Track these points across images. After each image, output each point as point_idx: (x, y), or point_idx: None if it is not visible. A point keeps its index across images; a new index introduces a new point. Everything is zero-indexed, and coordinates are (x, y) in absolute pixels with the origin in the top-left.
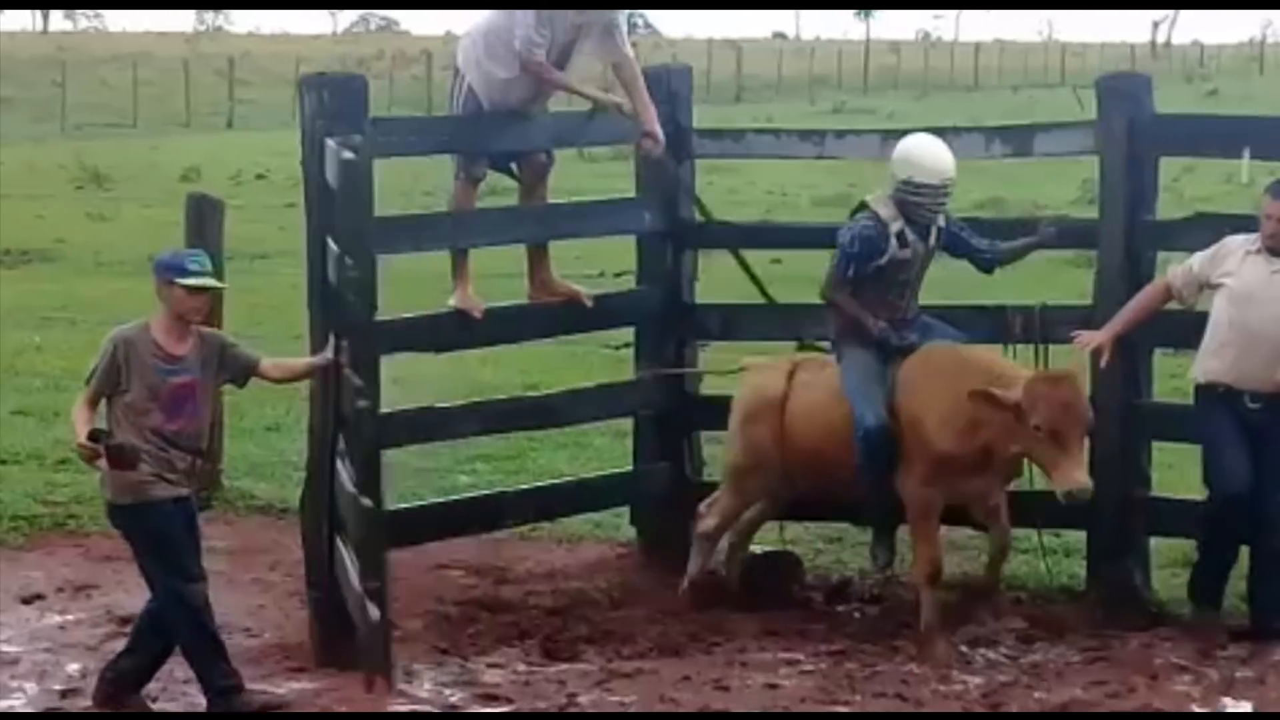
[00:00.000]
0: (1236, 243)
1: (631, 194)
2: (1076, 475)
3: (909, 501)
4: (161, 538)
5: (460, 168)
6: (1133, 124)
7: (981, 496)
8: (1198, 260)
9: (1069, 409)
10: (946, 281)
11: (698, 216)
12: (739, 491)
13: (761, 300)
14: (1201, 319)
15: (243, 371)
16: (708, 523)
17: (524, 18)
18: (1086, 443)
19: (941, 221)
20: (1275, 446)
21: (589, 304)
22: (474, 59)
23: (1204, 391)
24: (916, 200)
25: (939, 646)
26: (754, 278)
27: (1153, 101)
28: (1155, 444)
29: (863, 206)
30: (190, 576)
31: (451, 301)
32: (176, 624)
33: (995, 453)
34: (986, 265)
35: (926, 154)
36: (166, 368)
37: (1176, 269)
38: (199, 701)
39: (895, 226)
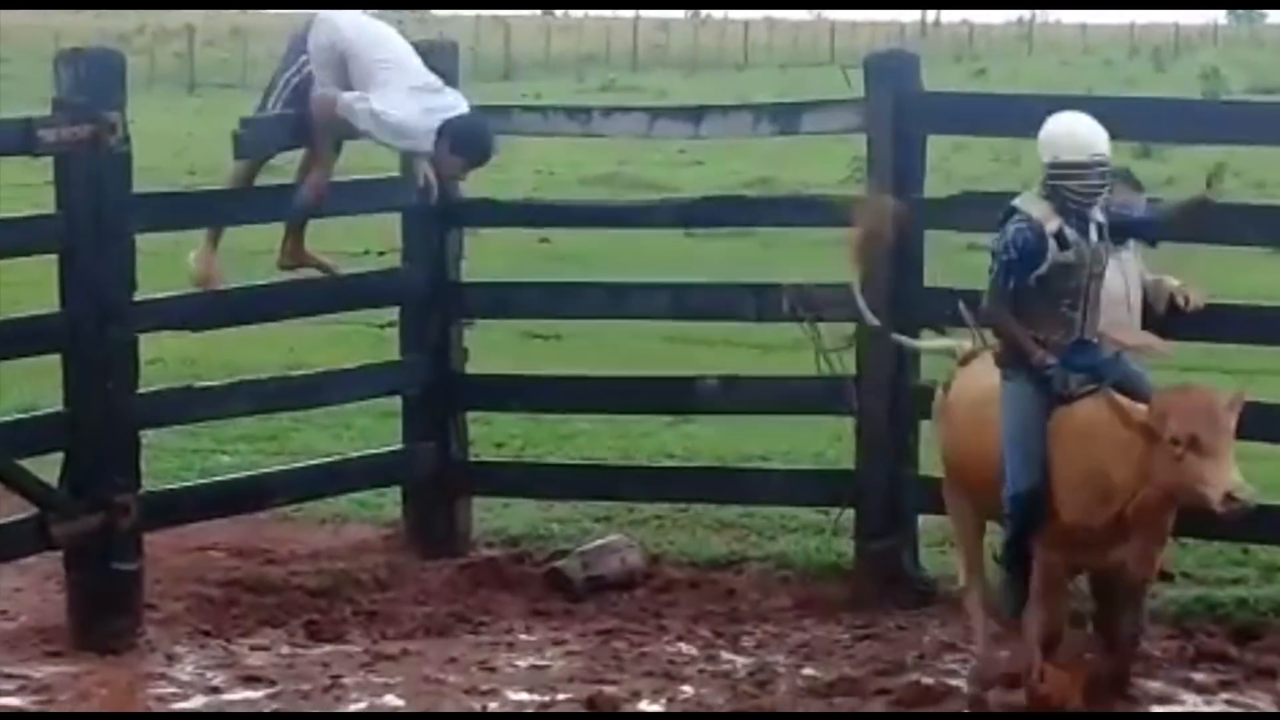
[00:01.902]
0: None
1: (397, 171)
2: (1232, 477)
3: (1035, 560)
4: None
5: None
6: (900, 102)
7: (1120, 566)
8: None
9: (1206, 411)
10: (719, 259)
11: None
12: (949, 507)
13: (527, 278)
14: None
15: None
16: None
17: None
18: (1232, 453)
19: (1101, 216)
20: None
21: (338, 273)
22: (330, 64)
23: None
24: (1066, 186)
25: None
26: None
27: (920, 79)
28: (923, 422)
29: (1011, 212)
30: None
31: (190, 258)
32: None
33: (1130, 519)
34: (1151, 235)
35: (1068, 129)
36: None
37: None
38: None
39: (1051, 226)
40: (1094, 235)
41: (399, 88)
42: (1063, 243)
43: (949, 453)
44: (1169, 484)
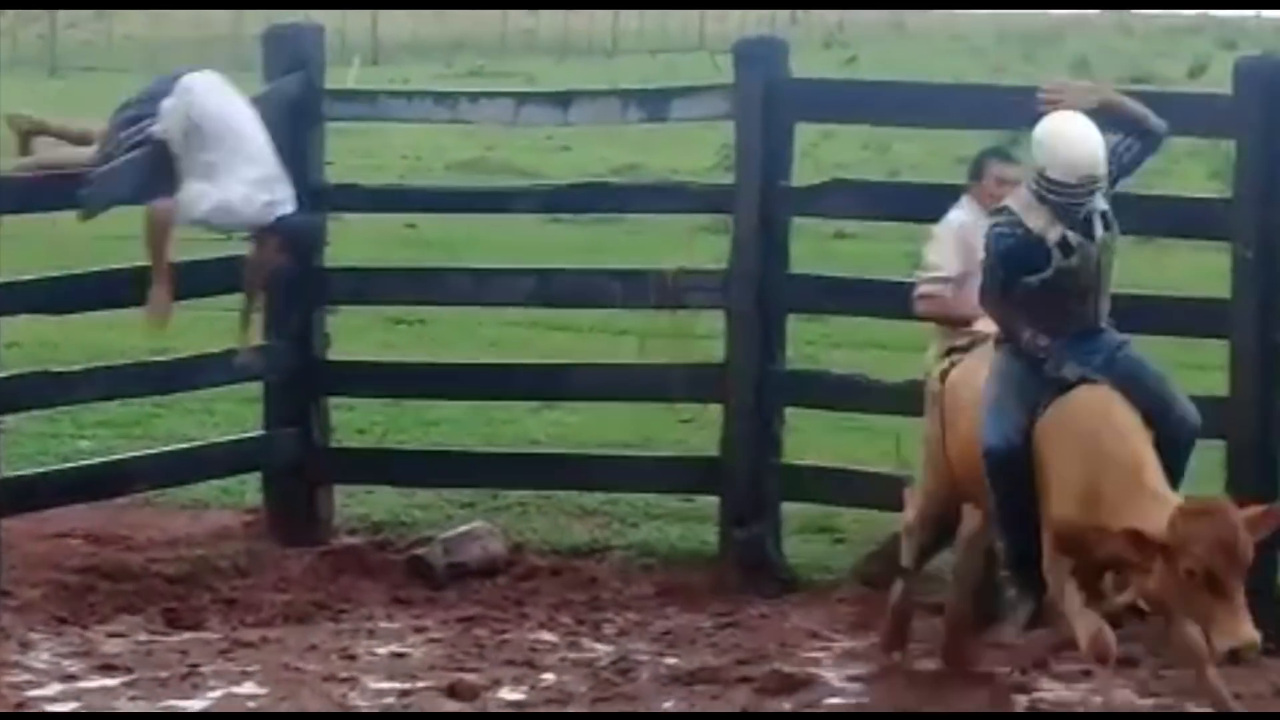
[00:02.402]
0: (965, 223)
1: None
2: (1242, 630)
3: (1045, 568)
4: None
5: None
6: (769, 88)
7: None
8: (946, 261)
9: (1228, 549)
10: (585, 246)
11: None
12: (923, 490)
13: (392, 264)
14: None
15: None
16: (907, 514)
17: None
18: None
19: (1104, 203)
20: None
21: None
22: (179, 131)
23: None
24: (1053, 200)
25: None
26: None
27: (789, 66)
28: (787, 409)
29: (1002, 210)
30: None
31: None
32: None
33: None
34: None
35: (1062, 141)
36: None
37: (933, 286)
38: None
39: (1053, 235)
40: (1099, 227)
41: (242, 178)
42: (1067, 250)
43: (942, 438)
44: (1172, 604)
